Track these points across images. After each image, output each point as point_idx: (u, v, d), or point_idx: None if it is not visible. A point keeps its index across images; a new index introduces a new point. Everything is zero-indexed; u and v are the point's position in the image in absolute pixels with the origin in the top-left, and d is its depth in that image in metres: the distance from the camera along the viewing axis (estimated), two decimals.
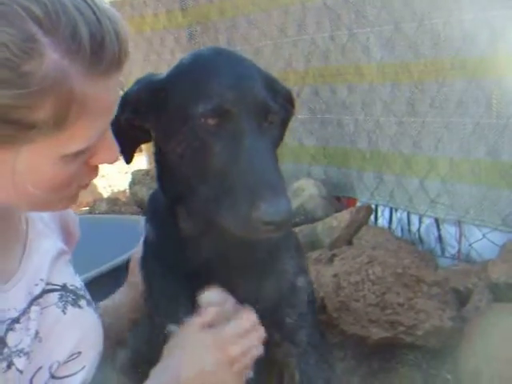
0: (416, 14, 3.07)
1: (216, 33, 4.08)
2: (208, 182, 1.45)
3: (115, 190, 5.27)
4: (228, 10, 4.02)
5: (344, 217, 3.29)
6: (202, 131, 1.44)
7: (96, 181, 5.21)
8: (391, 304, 2.63)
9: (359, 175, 3.61)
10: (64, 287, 1.47)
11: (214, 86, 1.47)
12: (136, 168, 4.85)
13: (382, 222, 3.58)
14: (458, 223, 3.18)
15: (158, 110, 1.54)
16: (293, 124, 3.92)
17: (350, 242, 3.25)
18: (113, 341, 1.73)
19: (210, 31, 4.11)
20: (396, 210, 3.51)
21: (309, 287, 1.81)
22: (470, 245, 3.12)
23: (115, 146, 1.34)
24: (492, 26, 2.77)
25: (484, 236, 3.01)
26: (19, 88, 1.11)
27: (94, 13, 1.18)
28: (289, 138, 3.92)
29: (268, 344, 1.59)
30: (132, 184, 4.26)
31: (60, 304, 1.43)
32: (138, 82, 1.60)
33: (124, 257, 2.77)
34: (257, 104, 1.47)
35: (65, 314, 1.43)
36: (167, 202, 1.65)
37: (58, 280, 1.47)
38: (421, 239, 3.40)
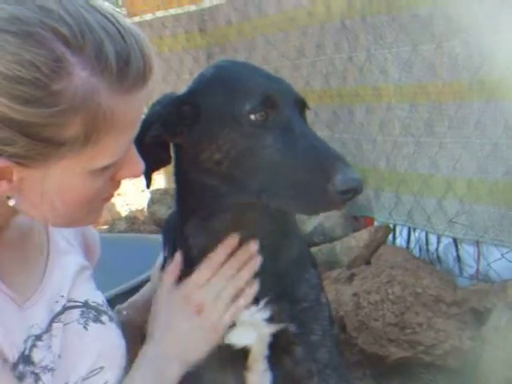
0: (434, 36, 3.09)
1: (235, 53, 4.12)
2: (264, 175, 1.47)
3: (133, 209, 5.30)
4: (246, 30, 4.06)
5: (362, 236, 3.31)
6: (250, 128, 1.48)
7: (114, 199, 5.25)
8: (410, 324, 2.65)
9: (377, 195, 3.63)
10: (86, 304, 1.48)
11: (253, 84, 1.52)
12: (154, 187, 4.89)
13: (400, 241, 3.59)
14: (477, 243, 3.18)
15: (188, 122, 1.57)
16: None
17: (368, 262, 3.27)
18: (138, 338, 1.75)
19: (228, 52, 4.15)
20: (414, 230, 3.52)
21: (329, 305, 1.84)
22: (488, 265, 3.12)
23: (139, 161, 1.37)
24: (509, 47, 2.79)
25: (503, 256, 3.02)
26: (50, 107, 1.14)
27: (119, 31, 1.21)
28: None
29: (286, 362, 1.62)
30: (151, 203, 4.29)
31: (81, 320, 1.44)
32: (158, 102, 1.64)
33: (141, 277, 2.79)
34: (295, 97, 1.54)
35: (87, 329, 1.44)
36: (181, 222, 1.67)
37: (80, 296, 1.48)
38: (439, 259, 3.41)
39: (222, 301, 1.53)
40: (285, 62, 3.88)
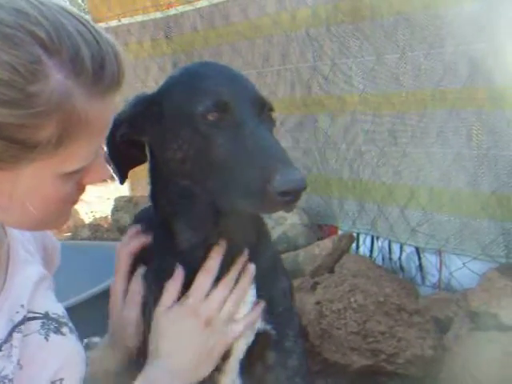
0: (398, 46, 3.12)
1: (200, 60, 4.11)
2: (216, 174, 1.49)
3: (97, 216, 5.26)
4: (212, 38, 4.06)
5: (326, 245, 3.31)
6: (204, 128, 1.49)
7: (77, 206, 5.21)
8: (372, 332, 2.65)
9: (341, 204, 3.64)
10: (46, 315, 1.46)
11: (210, 85, 1.54)
12: (118, 194, 4.86)
13: (364, 250, 3.60)
14: (439, 252, 3.21)
15: (154, 121, 1.58)
16: None
17: (331, 270, 3.27)
18: None
19: (194, 59, 4.14)
20: (377, 239, 3.54)
21: (298, 313, 1.86)
22: (450, 273, 3.15)
23: (106, 166, 1.38)
24: (471, 58, 2.83)
25: (464, 265, 3.04)
26: (26, 108, 1.14)
27: (94, 36, 1.22)
28: None
29: (257, 368, 1.62)
30: (114, 210, 4.26)
31: (42, 331, 1.42)
32: (128, 102, 1.64)
33: (103, 285, 2.76)
34: (252, 98, 1.54)
35: (47, 341, 1.42)
36: (162, 219, 1.67)
37: (40, 307, 1.46)
38: (402, 268, 3.43)
39: (227, 311, 1.55)
40: (250, 70, 3.88)
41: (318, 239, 3.71)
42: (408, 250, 3.38)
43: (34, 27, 1.16)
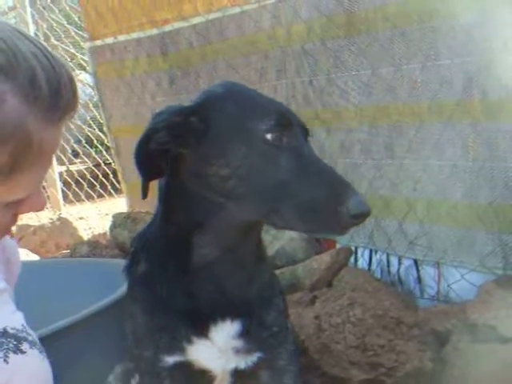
0: (394, 59, 3.13)
1: (197, 76, 4.13)
2: (274, 194, 1.52)
3: (95, 233, 5.27)
4: (208, 54, 4.07)
5: (324, 259, 3.31)
6: (264, 147, 1.52)
7: (76, 223, 5.21)
8: (372, 346, 2.64)
9: None
10: (4, 332, 1.41)
11: (266, 103, 1.61)
12: (116, 211, 4.87)
13: (362, 263, 3.60)
14: (437, 264, 3.21)
15: (197, 134, 1.58)
16: None
17: (330, 284, 3.27)
18: None
19: (190, 75, 4.16)
20: (375, 252, 3.54)
21: (293, 330, 1.87)
22: (448, 286, 3.14)
23: (44, 196, 1.36)
24: (466, 71, 2.84)
25: (462, 277, 3.04)
26: None
27: (48, 59, 1.22)
28: None
29: None
30: (113, 227, 4.25)
31: (1, 353, 1.38)
32: (163, 111, 1.64)
33: (103, 303, 2.72)
34: (300, 122, 1.65)
35: (7, 363, 1.38)
36: (177, 234, 1.67)
37: None
38: (400, 280, 3.43)
39: None
40: (246, 85, 3.88)
41: (317, 253, 3.71)
42: (406, 262, 3.38)
43: None
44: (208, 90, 1.74)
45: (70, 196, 7.05)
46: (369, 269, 3.56)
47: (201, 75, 4.09)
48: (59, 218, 5.19)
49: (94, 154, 7.16)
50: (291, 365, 1.77)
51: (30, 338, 1.46)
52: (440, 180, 3.05)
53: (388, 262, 3.48)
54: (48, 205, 6.34)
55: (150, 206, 4.78)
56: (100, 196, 6.95)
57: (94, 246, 3.81)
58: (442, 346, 2.72)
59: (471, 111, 2.87)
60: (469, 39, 2.81)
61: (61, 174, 7.21)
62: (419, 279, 3.33)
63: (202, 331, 1.67)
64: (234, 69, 3.93)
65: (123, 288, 2.74)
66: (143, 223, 4.00)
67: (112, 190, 6.59)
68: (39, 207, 1.35)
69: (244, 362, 1.68)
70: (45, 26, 7.06)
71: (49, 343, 1.67)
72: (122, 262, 3.43)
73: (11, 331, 1.43)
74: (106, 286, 3.35)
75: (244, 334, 1.68)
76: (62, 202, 6.82)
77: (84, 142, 7.24)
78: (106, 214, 7.25)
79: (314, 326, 2.73)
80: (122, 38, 4.63)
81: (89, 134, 7.11)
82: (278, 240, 3.70)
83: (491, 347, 2.49)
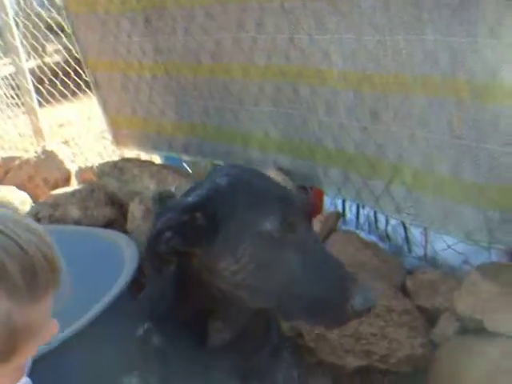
0: (377, 29, 3.05)
1: (173, 22, 4.00)
2: (279, 289, 1.60)
3: (82, 165, 5.26)
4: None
5: (314, 226, 3.38)
6: (271, 245, 1.60)
7: (63, 156, 5.20)
8: (365, 334, 2.78)
9: (325, 170, 3.67)
10: None
11: (271, 201, 1.65)
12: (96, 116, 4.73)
13: (350, 216, 3.68)
14: (424, 229, 3.29)
15: (206, 233, 1.63)
16: (257, 115, 3.95)
17: None
18: None
19: (166, 20, 4.02)
20: (363, 207, 3.60)
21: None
22: (435, 252, 3.25)
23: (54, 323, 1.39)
24: (453, 51, 2.79)
25: (449, 247, 3.14)
26: None
27: (18, 244, 1.20)
28: (254, 127, 3.97)
29: None
30: (101, 174, 4.27)
31: None
32: (169, 209, 1.68)
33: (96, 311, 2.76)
34: (305, 209, 1.70)
35: None
36: (193, 317, 1.77)
37: None
38: (388, 237, 3.52)
39: None
40: (225, 34, 3.79)
41: None
42: (394, 222, 3.46)
43: None
44: (211, 179, 1.75)
45: (45, 94, 6.87)
46: (356, 222, 3.64)
47: (177, 21, 3.96)
48: (44, 151, 5.16)
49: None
50: None
51: None
52: (426, 152, 3.06)
53: (376, 218, 3.56)
54: (30, 129, 6.27)
55: (133, 140, 4.79)
56: (74, 95, 6.81)
57: (86, 208, 3.84)
58: (431, 326, 2.86)
59: (457, 91, 2.84)
60: (455, 20, 2.73)
61: (32, 72, 7.01)
62: (407, 239, 3.42)
63: None
64: (212, 16, 3.81)
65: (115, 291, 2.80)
66: (131, 175, 4.03)
67: (87, 89, 6.45)
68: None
69: None
70: None
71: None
72: (114, 234, 3.51)
73: None
74: (101, 258, 3.44)
75: None
76: (37, 108, 6.62)
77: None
78: (88, 119, 7.20)
79: None
80: None
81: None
82: None
83: (477, 339, 2.62)
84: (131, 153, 4.85)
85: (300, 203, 1.71)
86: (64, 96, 6.81)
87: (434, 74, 2.92)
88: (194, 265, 1.70)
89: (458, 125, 2.91)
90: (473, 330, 2.66)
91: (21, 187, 4.94)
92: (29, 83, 6.50)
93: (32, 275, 1.21)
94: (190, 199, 1.69)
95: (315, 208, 3.85)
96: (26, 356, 1.28)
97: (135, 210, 3.77)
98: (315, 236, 1.70)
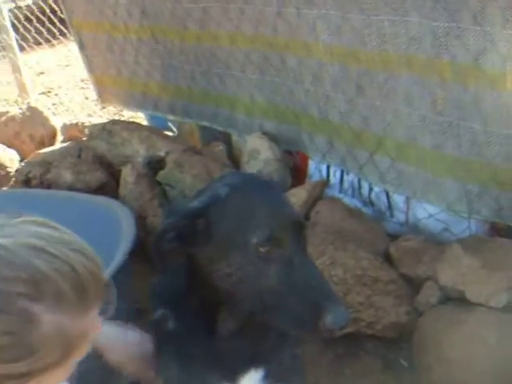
0: (362, 8, 3.14)
1: None
2: (265, 297, 1.74)
3: (68, 122, 5.32)
4: None
5: (301, 194, 3.53)
6: (256, 259, 1.72)
7: (47, 112, 5.25)
8: (353, 303, 2.97)
9: (311, 137, 3.80)
10: None
11: (262, 216, 1.75)
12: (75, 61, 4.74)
13: (334, 182, 3.83)
14: (407, 197, 3.46)
15: (202, 237, 1.78)
16: (243, 81, 4.05)
17: (307, 217, 3.51)
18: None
19: None
20: (347, 173, 3.75)
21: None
22: (417, 219, 3.43)
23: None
24: (436, 34, 2.90)
25: (431, 216, 3.32)
26: (30, 356, 1.29)
27: (68, 263, 1.34)
28: (240, 91, 4.07)
29: None
30: (90, 137, 4.37)
31: None
32: (172, 213, 1.84)
33: None
34: (296, 225, 1.78)
35: None
36: (203, 307, 1.91)
37: None
38: (372, 203, 3.69)
39: None
40: (213, 3, 3.86)
41: (291, 170, 3.94)
42: (377, 189, 3.62)
43: (11, 285, 1.28)
44: (213, 187, 1.90)
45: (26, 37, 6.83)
46: (340, 187, 3.80)
47: None
48: (29, 108, 5.21)
49: None
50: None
51: None
52: (409, 127, 3.21)
53: (360, 184, 3.71)
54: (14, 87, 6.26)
55: (118, 98, 4.86)
56: (55, 38, 6.79)
57: (78, 172, 3.95)
58: (415, 294, 3.06)
59: (440, 71, 2.96)
60: (439, 6, 2.84)
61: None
62: (389, 205, 3.59)
63: (231, 379, 1.97)
64: None
65: None
66: (120, 138, 4.14)
67: (66, 31, 6.43)
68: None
69: None
70: None
71: None
72: (106, 200, 3.60)
73: None
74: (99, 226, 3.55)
75: (267, 377, 2.00)
76: (18, 52, 6.60)
77: None
78: (66, 66, 7.20)
79: None
80: None
81: None
82: (254, 160, 3.90)
83: (458, 309, 2.83)
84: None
85: (293, 219, 1.83)
86: (42, 42, 6.80)
87: (418, 54, 3.04)
88: (197, 265, 1.86)
89: (441, 103, 3.05)
90: (455, 299, 2.86)
91: (7, 144, 5.01)
92: (6, 21, 6.45)
93: (83, 290, 1.35)
94: (192, 205, 1.84)
95: (301, 172, 4.02)
96: (81, 355, 1.44)
97: (127, 175, 3.89)
98: (303, 252, 1.79)
